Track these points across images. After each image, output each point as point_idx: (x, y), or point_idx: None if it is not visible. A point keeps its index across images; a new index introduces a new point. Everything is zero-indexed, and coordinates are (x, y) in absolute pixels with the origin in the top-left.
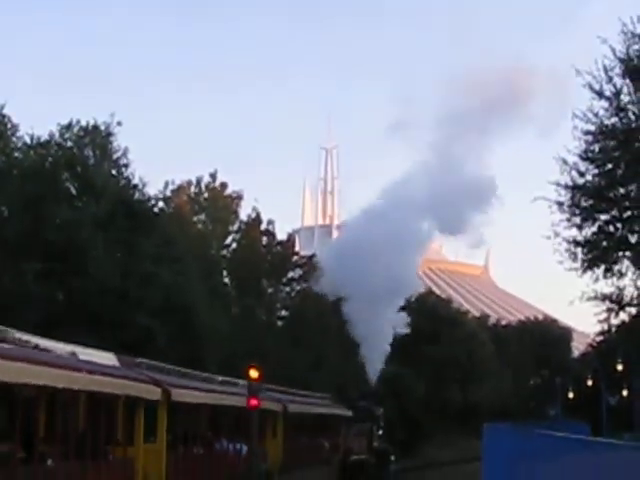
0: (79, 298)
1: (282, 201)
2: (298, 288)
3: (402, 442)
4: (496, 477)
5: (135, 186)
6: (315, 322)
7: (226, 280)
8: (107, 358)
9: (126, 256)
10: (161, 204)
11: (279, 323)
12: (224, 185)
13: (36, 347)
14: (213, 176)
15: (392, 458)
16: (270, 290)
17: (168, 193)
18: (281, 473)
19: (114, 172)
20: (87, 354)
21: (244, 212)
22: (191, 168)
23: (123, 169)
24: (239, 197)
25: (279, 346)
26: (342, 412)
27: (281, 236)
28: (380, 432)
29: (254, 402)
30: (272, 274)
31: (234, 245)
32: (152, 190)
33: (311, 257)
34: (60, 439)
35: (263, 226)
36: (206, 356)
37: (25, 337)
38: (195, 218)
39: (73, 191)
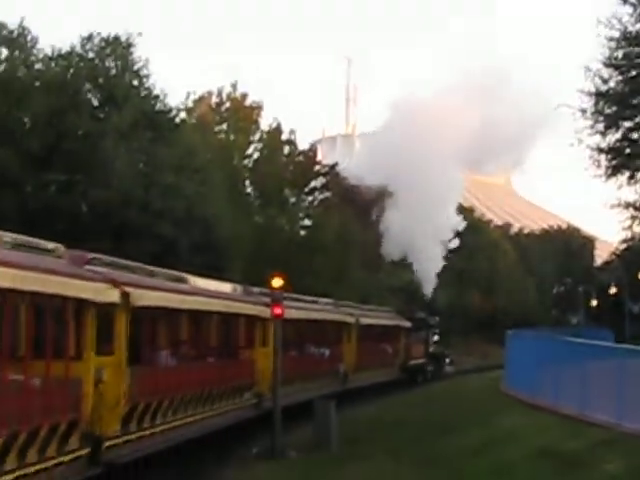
0: (102, 209)
1: (304, 111)
2: (321, 197)
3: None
4: (519, 383)
5: (157, 97)
6: (338, 231)
7: (249, 190)
8: (234, 288)
9: (148, 167)
10: (183, 115)
11: (302, 232)
12: (245, 95)
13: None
14: (234, 86)
15: (447, 361)
16: (293, 200)
17: (190, 104)
18: (354, 373)
19: (135, 83)
20: (222, 286)
21: (265, 122)
22: (211, 79)
23: (144, 80)
24: (259, 107)
25: (301, 255)
26: (402, 323)
27: (303, 146)
28: (436, 338)
29: (278, 310)
30: (294, 184)
31: (256, 155)
32: (173, 102)
33: (333, 166)
34: (214, 345)
35: (285, 136)
36: (229, 265)
37: (176, 274)
38: (217, 128)
39: (95, 102)
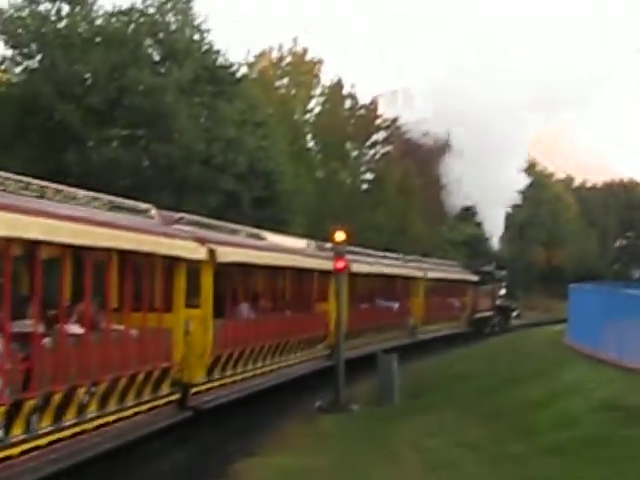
0: (164, 164)
1: (365, 65)
2: (382, 151)
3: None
4: (583, 336)
5: (217, 52)
6: (399, 184)
7: (310, 145)
8: (308, 244)
9: (210, 121)
10: (244, 69)
11: (363, 186)
12: (305, 50)
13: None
14: (295, 41)
15: (514, 314)
16: (354, 153)
17: (251, 59)
18: (422, 325)
19: (196, 38)
20: (297, 242)
21: (326, 77)
22: (272, 35)
23: (205, 35)
24: (320, 62)
25: (363, 209)
26: (469, 277)
27: (364, 100)
28: (503, 291)
29: (341, 264)
30: (356, 137)
31: (317, 109)
32: (233, 57)
33: (394, 120)
34: (290, 298)
35: (346, 90)
36: (291, 219)
37: (255, 231)
38: (277, 83)
39: (156, 57)
